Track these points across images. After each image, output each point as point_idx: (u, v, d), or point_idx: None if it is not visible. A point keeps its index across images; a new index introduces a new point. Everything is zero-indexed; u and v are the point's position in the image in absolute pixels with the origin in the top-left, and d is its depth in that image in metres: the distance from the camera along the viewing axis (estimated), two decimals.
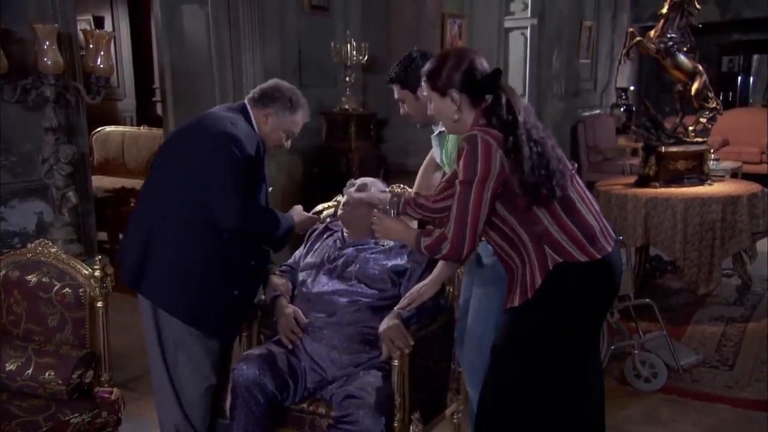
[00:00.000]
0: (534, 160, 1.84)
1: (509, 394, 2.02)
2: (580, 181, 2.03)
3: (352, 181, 2.64)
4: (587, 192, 2.04)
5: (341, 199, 2.80)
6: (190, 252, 2.25)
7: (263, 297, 2.53)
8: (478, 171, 1.82)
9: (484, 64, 1.98)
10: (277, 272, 2.55)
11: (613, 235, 2.03)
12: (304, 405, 2.31)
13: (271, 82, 2.43)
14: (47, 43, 3.19)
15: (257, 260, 2.39)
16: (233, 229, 2.23)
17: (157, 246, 2.25)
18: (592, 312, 2.03)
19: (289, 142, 2.45)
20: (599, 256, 1.92)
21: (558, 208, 1.90)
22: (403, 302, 2.31)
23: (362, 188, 2.56)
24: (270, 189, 2.56)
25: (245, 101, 2.39)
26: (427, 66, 2.01)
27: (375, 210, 2.27)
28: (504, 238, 1.97)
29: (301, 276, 2.54)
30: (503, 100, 1.89)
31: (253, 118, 2.34)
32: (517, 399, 2.02)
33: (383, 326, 2.24)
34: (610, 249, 1.97)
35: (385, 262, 2.45)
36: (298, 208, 2.51)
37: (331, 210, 2.81)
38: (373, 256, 2.47)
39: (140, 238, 2.28)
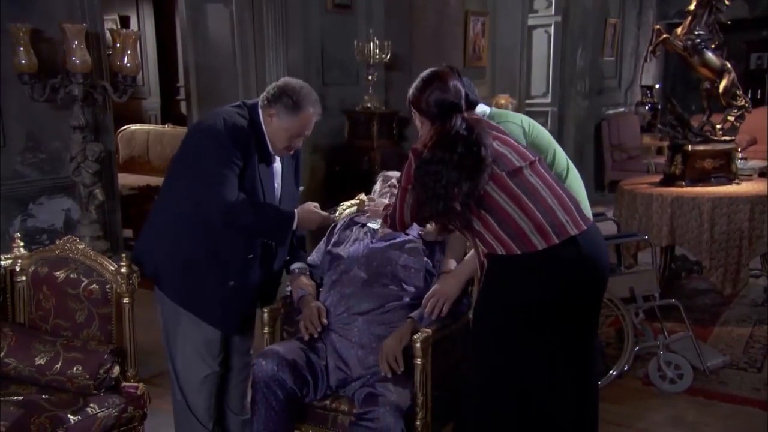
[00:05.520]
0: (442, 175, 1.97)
1: (473, 384, 2.15)
2: (540, 172, 2.06)
3: (387, 173, 2.67)
4: (544, 185, 2.03)
5: (363, 197, 2.81)
6: (181, 242, 2.31)
7: (288, 290, 2.54)
8: (402, 179, 2.13)
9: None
10: (306, 273, 2.54)
11: (570, 229, 1.98)
12: (327, 402, 2.32)
13: (281, 81, 2.35)
14: (76, 42, 3.25)
15: (258, 252, 2.35)
16: (217, 221, 2.24)
17: (155, 235, 2.37)
18: (529, 308, 1.99)
19: (300, 141, 2.36)
20: (519, 252, 1.97)
21: (481, 212, 2.00)
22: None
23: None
24: (301, 188, 2.57)
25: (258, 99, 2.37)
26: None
27: (368, 196, 2.66)
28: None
29: (329, 272, 2.52)
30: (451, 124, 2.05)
31: (261, 118, 2.31)
32: (478, 385, 2.12)
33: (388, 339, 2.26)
34: (540, 247, 1.95)
35: (417, 260, 2.43)
36: (310, 204, 2.41)
37: (354, 208, 2.81)
38: (404, 253, 2.44)
39: (148, 222, 2.41)
